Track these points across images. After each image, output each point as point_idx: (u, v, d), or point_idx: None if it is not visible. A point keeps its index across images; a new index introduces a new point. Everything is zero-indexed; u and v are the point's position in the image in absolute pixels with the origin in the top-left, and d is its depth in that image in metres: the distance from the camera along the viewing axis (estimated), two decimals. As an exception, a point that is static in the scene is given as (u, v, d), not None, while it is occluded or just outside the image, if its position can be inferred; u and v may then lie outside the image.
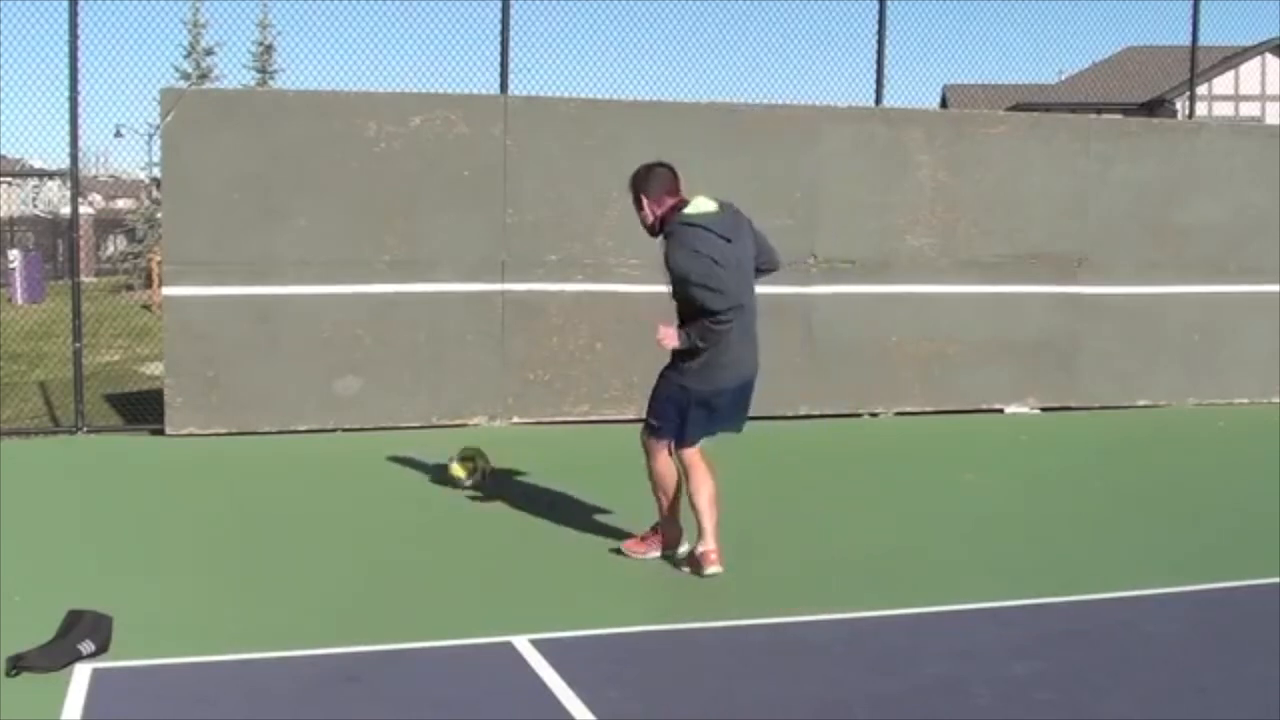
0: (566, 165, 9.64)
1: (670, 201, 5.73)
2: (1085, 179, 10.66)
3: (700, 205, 5.72)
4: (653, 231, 5.80)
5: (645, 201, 5.75)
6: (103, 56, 25.97)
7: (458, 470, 7.48)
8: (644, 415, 6.05)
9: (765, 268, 6.01)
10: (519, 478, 7.77)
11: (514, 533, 6.63)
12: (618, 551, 6.09)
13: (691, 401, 5.78)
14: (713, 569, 5.75)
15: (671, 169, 5.82)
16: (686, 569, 5.91)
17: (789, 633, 5.12)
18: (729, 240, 5.67)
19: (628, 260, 9.72)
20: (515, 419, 9.61)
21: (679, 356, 5.78)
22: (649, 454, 5.97)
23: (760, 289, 9.76)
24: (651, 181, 5.76)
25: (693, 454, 5.89)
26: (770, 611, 5.31)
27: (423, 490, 7.62)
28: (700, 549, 5.82)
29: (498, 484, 7.54)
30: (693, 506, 5.86)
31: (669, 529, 6.03)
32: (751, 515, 6.98)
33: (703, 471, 5.86)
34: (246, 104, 9.83)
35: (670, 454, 5.92)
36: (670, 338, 5.72)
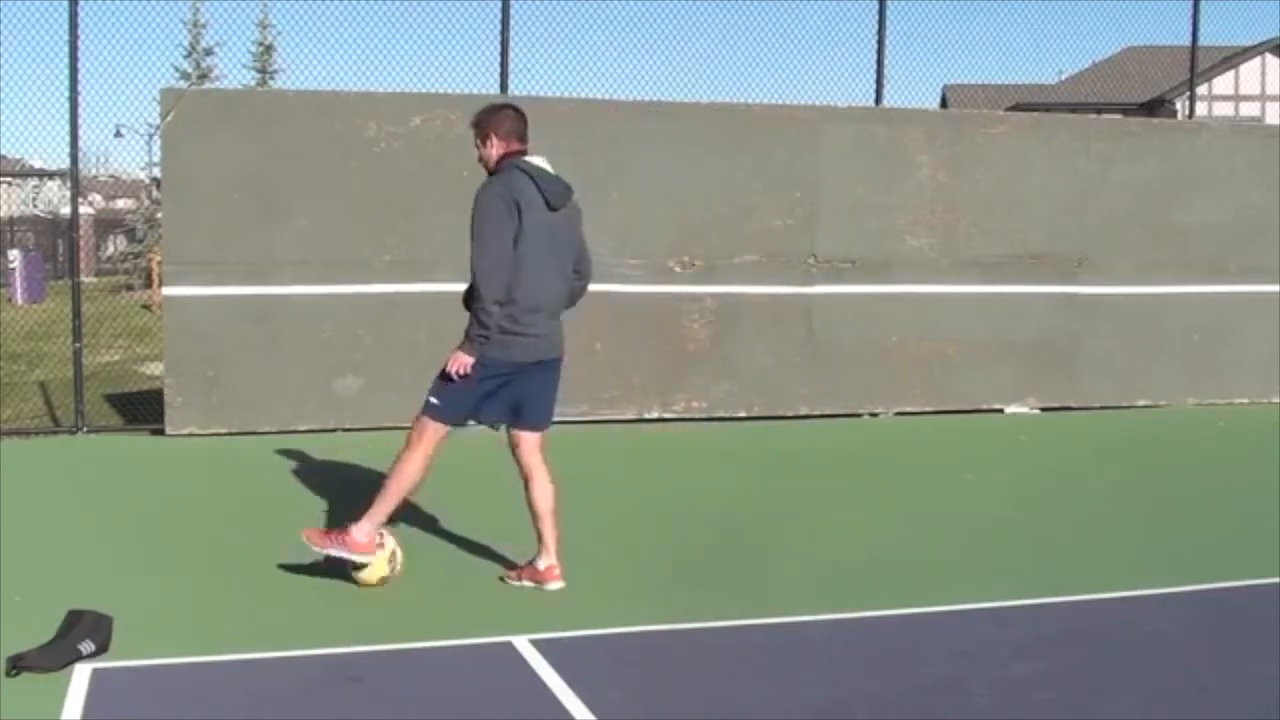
0: (566, 165, 9.57)
1: (517, 146, 5.52)
2: (1085, 179, 10.66)
3: (542, 163, 5.51)
4: (489, 170, 5.57)
5: (494, 139, 5.51)
6: (103, 56, 26.06)
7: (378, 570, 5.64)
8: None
9: (581, 269, 5.72)
10: (517, 478, 7.74)
11: (513, 533, 6.62)
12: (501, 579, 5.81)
13: (486, 374, 5.48)
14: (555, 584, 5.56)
15: (524, 119, 5.59)
16: (700, 567, 5.91)
17: (789, 633, 5.12)
18: (553, 209, 5.42)
19: (628, 260, 9.72)
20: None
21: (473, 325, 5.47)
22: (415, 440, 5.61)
23: (760, 289, 9.92)
24: (505, 122, 5.53)
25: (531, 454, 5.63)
26: (770, 611, 5.31)
27: (422, 490, 7.61)
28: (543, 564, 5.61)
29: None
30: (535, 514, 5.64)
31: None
32: (751, 515, 6.99)
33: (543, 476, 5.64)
34: (246, 104, 9.82)
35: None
36: (461, 364, 5.47)
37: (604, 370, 9.73)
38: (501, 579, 5.77)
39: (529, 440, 5.71)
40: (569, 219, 5.57)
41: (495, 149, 5.53)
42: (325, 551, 5.54)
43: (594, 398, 9.74)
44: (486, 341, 5.46)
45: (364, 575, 5.55)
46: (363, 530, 5.52)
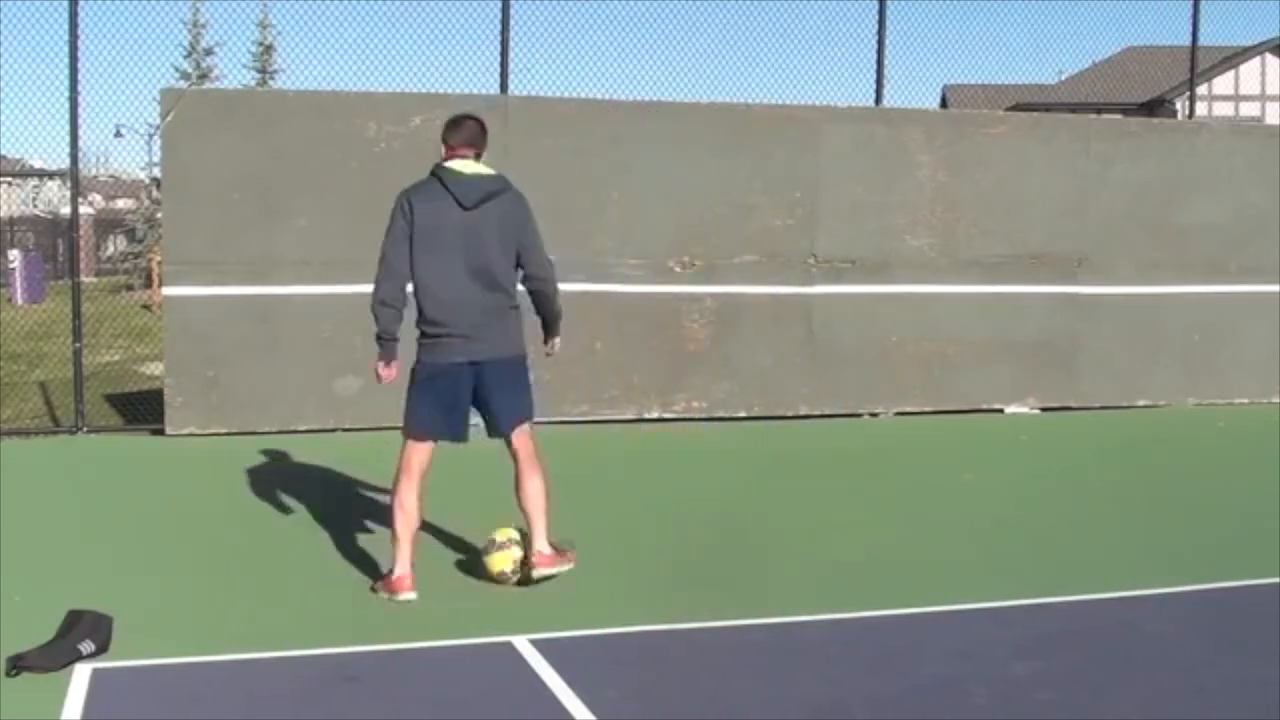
0: (566, 165, 9.64)
1: (457, 151, 5.56)
2: (1085, 179, 10.66)
3: (464, 165, 5.51)
4: None
5: (444, 146, 5.60)
6: (103, 56, 25.98)
7: (500, 562, 5.80)
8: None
9: (530, 271, 5.68)
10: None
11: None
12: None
13: (425, 380, 5.57)
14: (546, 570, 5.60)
15: (482, 130, 5.63)
16: (700, 567, 5.91)
17: (789, 633, 5.12)
18: (466, 208, 5.42)
19: (628, 260, 9.73)
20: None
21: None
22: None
23: (760, 289, 9.92)
24: (453, 130, 5.60)
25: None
26: (770, 611, 5.31)
27: (422, 490, 7.61)
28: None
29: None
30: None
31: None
32: (751, 515, 6.99)
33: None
34: (246, 104, 9.83)
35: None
36: (373, 366, 5.61)
37: (604, 370, 9.73)
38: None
39: (517, 438, 5.73)
40: (494, 208, 5.50)
41: (441, 154, 5.62)
42: (382, 594, 5.49)
43: (594, 398, 9.74)
44: (385, 344, 5.55)
45: (490, 560, 5.70)
46: (398, 567, 5.49)
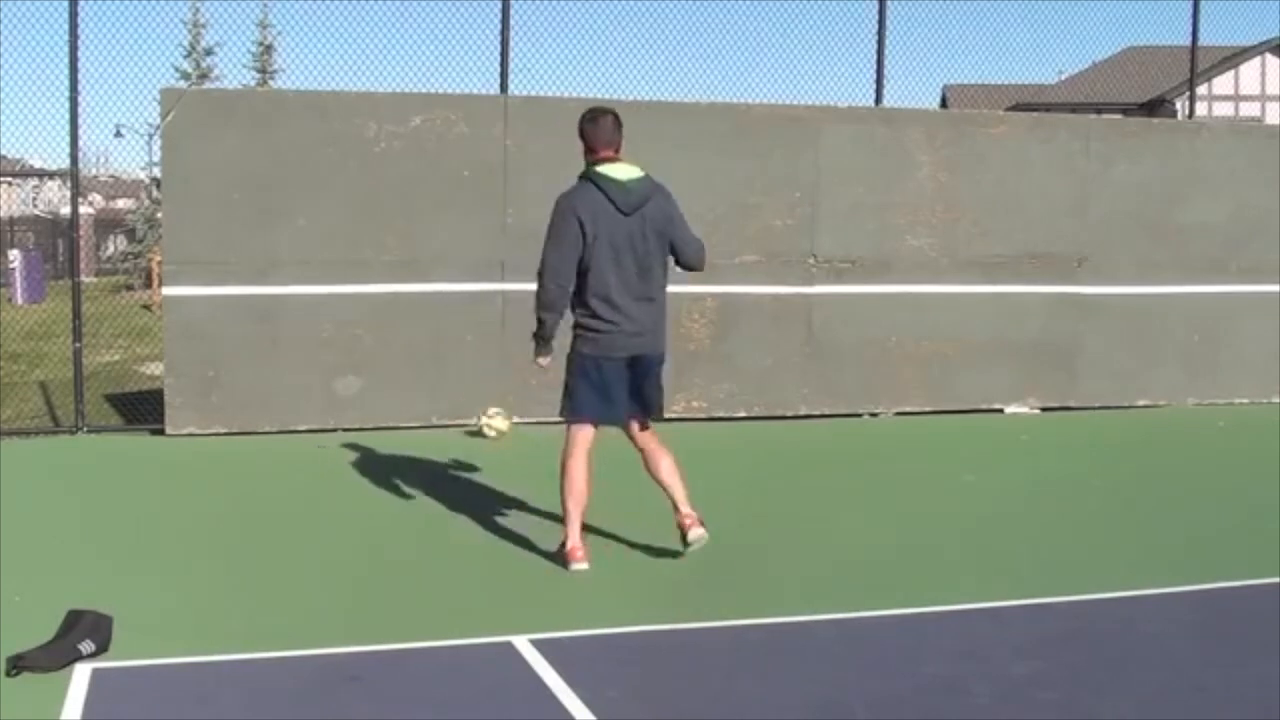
0: (566, 165, 9.56)
1: (601, 154, 5.82)
2: (1085, 179, 10.66)
3: (616, 170, 5.79)
4: None
5: (584, 143, 5.88)
6: (103, 56, 26.01)
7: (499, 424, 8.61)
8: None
9: (683, 261, 6.03)
10: (518, 478, 7.76)
11: (514, 533, 6.63)
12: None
13: (586, 370, 5.85)
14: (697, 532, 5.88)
15: (619, 125, 5.88)
16: (700, 567, 5.91)
17: (789, 633, 5.12)
18: (626, 214, 5.73)
19: (628, 260, 9.72)
20: (515, 419, 9.60)
21: (575, 325, 5.88)
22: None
23: (760, 289, 9.91)
24: (591, 127, 5.88)
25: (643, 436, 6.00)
26: (770, 611, 5.31)
27: (423, 490, 7.62)
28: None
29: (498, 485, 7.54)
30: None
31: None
32: (751, 515, 6.99)
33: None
34: (246, 104, 9.83)
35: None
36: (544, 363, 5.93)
37: (604, 370, 9.71)
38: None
39: (636, 429, 6.01)
40: (648, 211, 5.81)
41: (585, 153, 5.89)
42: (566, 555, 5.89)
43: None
44: (544, 342, 5.86)
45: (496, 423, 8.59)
46: (569, 541, 5.87)
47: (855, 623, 5.28)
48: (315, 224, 9.21)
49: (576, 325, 5.85)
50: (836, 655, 4.93)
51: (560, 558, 5.89)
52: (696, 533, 5.87)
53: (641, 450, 6.03)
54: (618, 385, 5.86)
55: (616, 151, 5.85)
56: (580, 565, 5.81)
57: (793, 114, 10.15)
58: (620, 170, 5.80)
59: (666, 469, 5.96)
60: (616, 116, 5.88)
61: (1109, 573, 5.99)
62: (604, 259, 5.71)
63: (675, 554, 6.15)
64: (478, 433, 9.02)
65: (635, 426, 6.00)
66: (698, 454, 7.97)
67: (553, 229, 5.77)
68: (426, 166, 9.39)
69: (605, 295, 5.74)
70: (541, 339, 5.88)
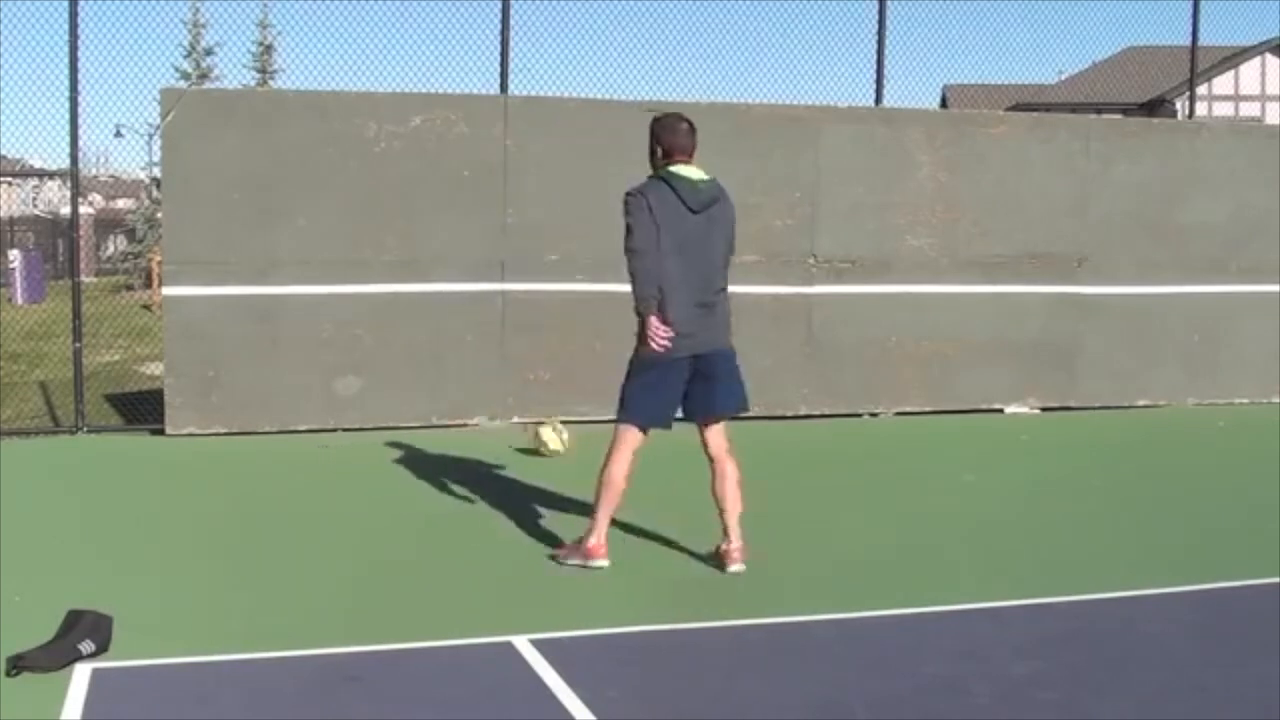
0: (566, 165, 9.64)
1: (675, 159, 5.89)
2: (1085, 179, 10.66)
3: (688, 171, 5.86)
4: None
5: (659, 150, 5.92)
6: (103, 56, 26.02)
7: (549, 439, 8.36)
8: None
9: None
10: (519, 477, 7.77)
11: (514, 533, 6.63)
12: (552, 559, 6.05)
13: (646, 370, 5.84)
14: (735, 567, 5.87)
15: (693, 132, 5.95)
16: (700, 567, 5.91)
17: (789, 633, 5.13)
18: (695, 212, 5.79)
19: (628, 260, 9.71)
20: (515, 419, 9.61)
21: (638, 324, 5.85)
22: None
23: (760, 289, 9.90)
24: (672, 135, 5.91)
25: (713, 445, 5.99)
26: (770, 611, 5.31)
27: (423, 490, 7.63)
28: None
29: (501, 483, 7.54)
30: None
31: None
32: (751, 515, 6.97)
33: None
34: (246, 104, 9.83)
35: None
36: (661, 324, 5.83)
37: (604, 370, 9.69)
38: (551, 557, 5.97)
39: (714, 430, 6.00)
40: (715, 213, 5.88)
41: (659, 159, 5.93)
42: (568, 562, 5.94)
43: (595, 397, 9.72)
44: (651, 310, 5.78)
45: (546, 437, 8.32)
46: (594, 537, 5.88)
47: (855, 623, 5.28)
48: (315, 224, 9.21)
49: (640, 323, 5.80)
50: (836, 655, 4.93)
51: (579, 552, 5.89)
52: (737, 568, 5.85)
53: (711, 459, 5.99)
54: (675, 387, 5.84)
55: (689, 157, 5.91)
56: (601, 562, 5.83)
57: (793, 114, 10.15)
58: (691, 171, 5.88)
59: (730, 488, 5.93)
60: (693, 125, 5.97)
61: (1109, 573, 5.99)
62: (670, 254, 5.72)
63: (675, 554, 6.16)
64: (534, 450, 8.50)
65: (709, 430, 5.97)
66: (697, 454, 7.97)
67: (634, 211, 5.76)
68: (426, 166, 9.38)
69: (668, 292, 5.73)
70: (648, 310, 5.75)
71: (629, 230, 5.76)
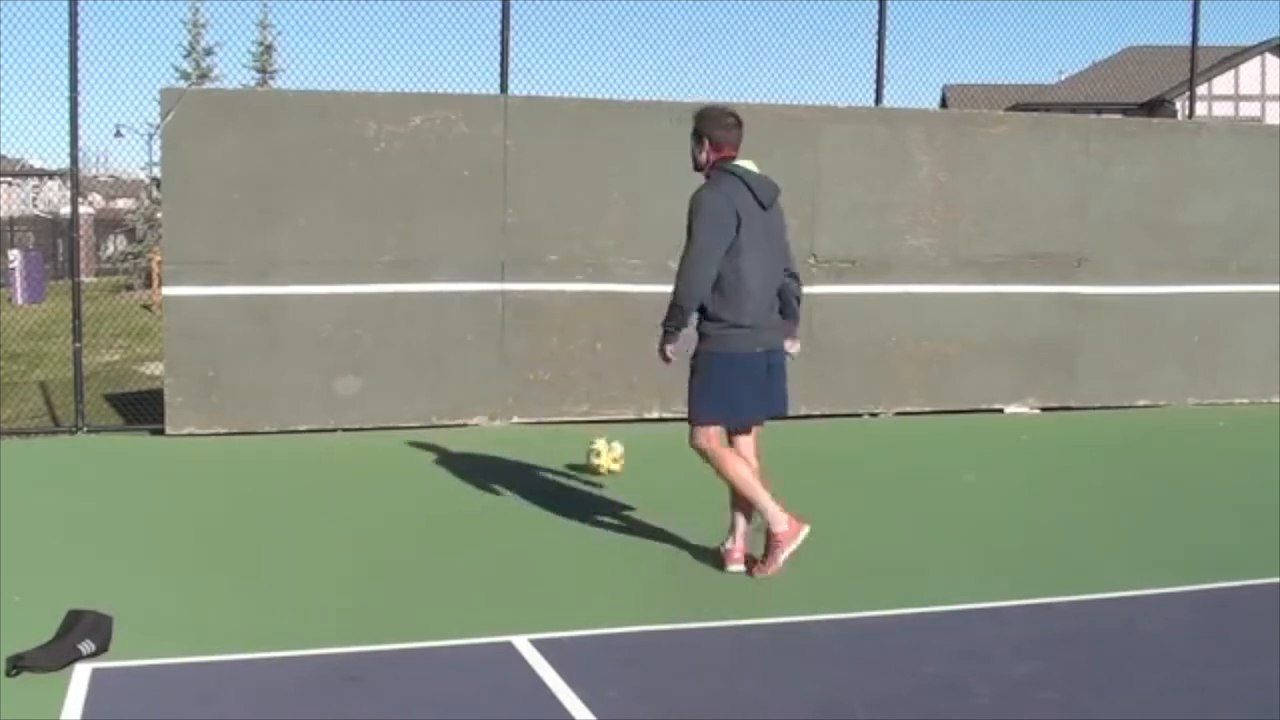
0: (566, 165, 9.64)
1: (726, 153, 5.83)
2: (1085, 179, 10.66)
3: (751, 165, 5.85)
4: (698, 168, 5.89)
5: (708, 144, 5.82)
6: (103, 56, 25.99)
7: (603, 459, 7.71)
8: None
9: (791, 269, 6.07)
10: (519, 477, 7.77)
11: (514, 533, 6.63)
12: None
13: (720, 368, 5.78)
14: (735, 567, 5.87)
15: (740, 126, 5.89)
16: (700, 566, 5.91)
17: (789, 633, 5.13)
18: (764, 208, 5.77)
19: (628, 260, 9.73)
20: (515, 419, 9.61)
21: (703, 323, 5.77)
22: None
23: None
24: (722, 130, 5.83)
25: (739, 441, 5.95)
26: (770, 611, 5.31)
27: (423, 490, 7.63)
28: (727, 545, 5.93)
29: (507, 483, 7.54)
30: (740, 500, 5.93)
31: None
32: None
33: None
34: (246, 104, 9.83)
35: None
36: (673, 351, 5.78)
37: (604, 370, 9.73)
38: (749, 573, 5.85)
39: (750, 433, 5.96)
40: (775, 210, 5.86)
41: (708, 154, 5.83)
42: (780, 562, 5.77)
43: (594, 397, 9.74)
44: (673, 333, 5.76)
45: (602, 461, 7.60)
46: (779, 524, 5.77)
47: (855, 623, 5.28)
48: (315, 224, 9.21)
49: (711, 322, 5.73)
50: (836, 655, 4.93)
51: (779, 548, 5.74)
52: (737, 568, 5.84)
53: (741, 458, 5.95)
54: (753, 383, 5.81)
55: (737, 152, 5.86)
56: (804, 530, 5.79)
57: (793, 114, 10.14)
58: (752, 165, 5.84)
59: (746, 474, 5.88)
60: (738, 117, 5.90)
61: (1109, 573, 5.99)
62: (749, 251, 5.68)
63: (675, 554, 6.16)
64: (591, 469, 7.83)
65: (753, 430, 5.95)
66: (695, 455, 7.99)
67: (704, 222, 5.65)
68: (426, 166, 9.39)
69: (749, 288, 5.70)
70: (675, 329, 5.74)
71: (697, 232, 5.65)
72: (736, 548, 5.89)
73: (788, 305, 6.01)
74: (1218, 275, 10.92)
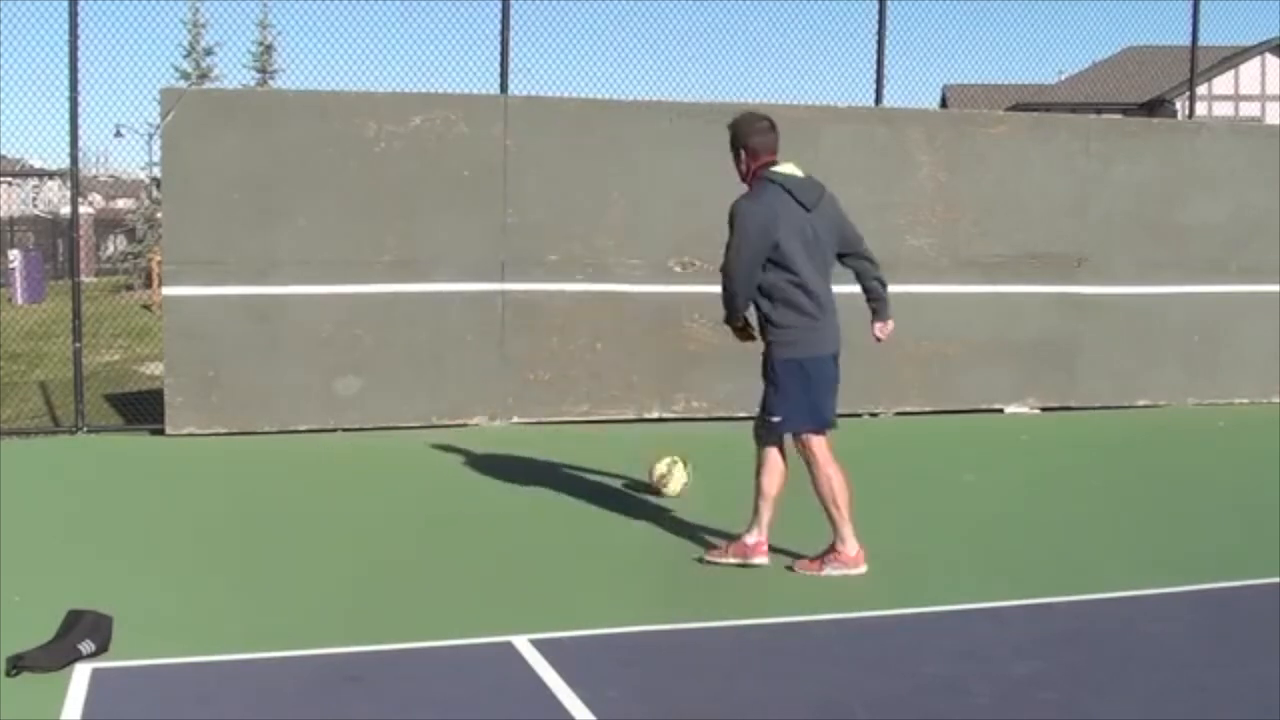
0: (566, 165, 9.64)
1: (765, 159, 5.83)
2: (1085, 179, 10.66)
3: (791, 169, 5.84)
4: (743, 178, 5.90)
5: (744, 153, 5.84)
6: (103, 56, 25.98)
7: (673, 484, 7.31)
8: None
9: (867, 255, 6.10)
10: (519, 478, 7.77)
11: (514, 533, 6.63)
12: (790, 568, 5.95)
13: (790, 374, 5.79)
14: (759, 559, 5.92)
15: (775, 130, 5.89)
16: (700, 566, 5.91)
17: (789, 633, 5.12)
18: (807, 210, 5.76)
19: (628, 260, 9.73)
20: (515, 419, 9.61)
21: (772, 332, 5.79)
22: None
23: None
24: (758, 136, 5.83)
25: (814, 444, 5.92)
26: (770, 611, 5.31)
27: (423, 490, 7.63)
28: (752, 539, 5.95)
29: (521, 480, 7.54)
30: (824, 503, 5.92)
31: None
32: (750, 515, 6.97)
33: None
34: (246, 104, 9.83)
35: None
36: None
37: (604, 370, 9.73)
38: (789, 568, 5.88)
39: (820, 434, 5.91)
40: (822, 207, 5.84)
41: (747, 163, 5.84)
42: (826, 573, 5.82)
43: (594, 397, 9.74)
44: (737, 319, 5.79)
45: (670, 488, 7.05)
46: (848, 544, 5.84)
47: (855, 623, 5.28)
48: (315, 224, 9.22)
49: (779, 329, 5.75)
50: (836, 655, 4.93)
51: (838, 560, 5.81)
52: (762, 560, 5.88)
53: (810, 456, 5.91)
54: (828, 384, 5.83)
55: (776, 155, 5.87)
56: (859, 568, 5.83)
57: (793, 114, 10.10)
58: (793, 169, 5.84)
59: (839, 486, 5.88)
60: (772, 120, 5.91)
61: (1109, 573, 5.99)
62: (799, 255, 5.69)
63: (676, 554, 6.16)
64: (654, 490, 7.41)
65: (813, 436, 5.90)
66: (698, 454, 7.98)
67: (740, 234, 5.68)
68: (426, 166, 9.39)
69: (807, 290, 5.72)
70: (738, 320, 5.82)
71: (736, 243, 5.68)
72: (763, 540, 5.91)
73: (872, 290, 6.09)
74: (1218, 275, 10.92)
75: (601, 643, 4.98)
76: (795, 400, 5.79)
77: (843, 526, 5.83)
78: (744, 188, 5.86)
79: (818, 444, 5.84)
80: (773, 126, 5.86)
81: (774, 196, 5.71)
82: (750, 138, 5.81)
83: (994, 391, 10.55)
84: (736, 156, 5.86)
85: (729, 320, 5.88)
